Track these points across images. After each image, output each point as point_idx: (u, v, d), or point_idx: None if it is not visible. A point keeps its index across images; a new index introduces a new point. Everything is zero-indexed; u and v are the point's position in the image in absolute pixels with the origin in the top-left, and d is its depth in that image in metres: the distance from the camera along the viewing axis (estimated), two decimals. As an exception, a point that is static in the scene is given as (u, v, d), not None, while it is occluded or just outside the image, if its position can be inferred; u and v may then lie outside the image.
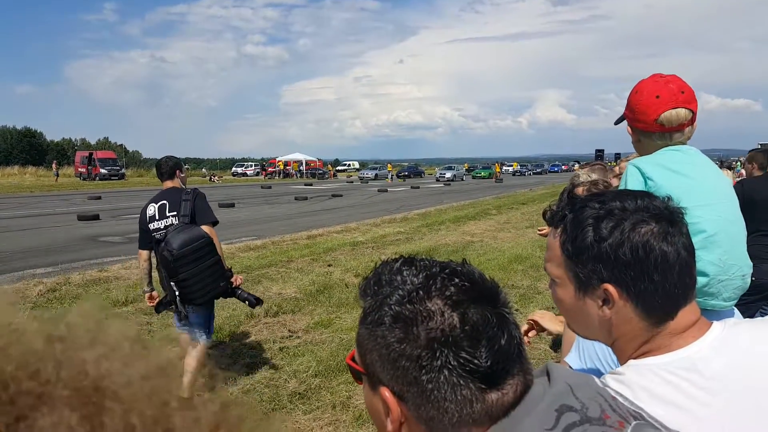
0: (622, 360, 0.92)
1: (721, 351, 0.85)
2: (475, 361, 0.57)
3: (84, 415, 0.39)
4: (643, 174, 1.57)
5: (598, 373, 1.25)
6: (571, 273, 0.90)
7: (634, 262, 0.84)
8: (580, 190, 3.17)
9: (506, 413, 0.58)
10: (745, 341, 0.87)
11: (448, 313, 0.58)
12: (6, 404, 0.39)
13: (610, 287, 0.86)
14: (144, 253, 3.73)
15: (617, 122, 1.86)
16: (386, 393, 0.60)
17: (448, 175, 47.11)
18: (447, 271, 0.61)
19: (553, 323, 2.29)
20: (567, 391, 0.60)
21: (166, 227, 3.54)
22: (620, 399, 0.63)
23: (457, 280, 0.60)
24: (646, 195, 0.90)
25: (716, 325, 0.89)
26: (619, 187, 1.66)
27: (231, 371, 4.21)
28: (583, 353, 1.32)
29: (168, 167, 3.80)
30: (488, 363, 0.57)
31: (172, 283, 3.41)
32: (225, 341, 4.90)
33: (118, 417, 0.39)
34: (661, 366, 0.85)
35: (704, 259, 1.46)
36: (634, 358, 0.89)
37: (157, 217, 3.61)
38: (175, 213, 3.58)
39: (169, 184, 3.77)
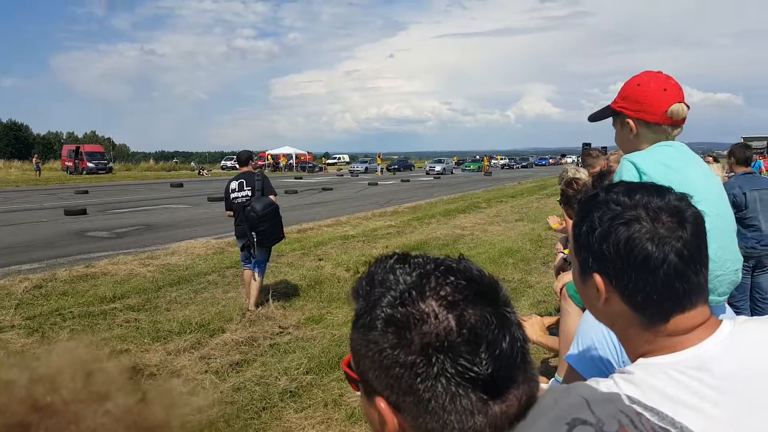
0: (630, 356, 0.91)
1: (731, 350, 0.84)
2: (475, 369, 0.52)
3: None
4: (638, 169, 1.58)
5: (601, 360, 1.24)
6: (575, 255, 0.93)
7: (615, 258, 0.84)
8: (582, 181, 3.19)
9: (511, 425, 0.54)
10: (755, 340, 0.85)
11: (443, 315, 0.54)
12: None
13: (598, 277, 0.87)
14: (229, 213, 5.94)
15: (595, 118, 1.83)
16: (381, 403, 0.56)
17: (438, 168, 46.90)
18: (442, 268, 0.57)
19: (535, 332, 2.25)
20: (582, 404, 0.57)
21: (246, 197, 5.63)
22: (648, 415, 0.60)
23: (452, 279, 0.56)
24: (657, 191, 0.87)
25: (725, 324, 0.88)
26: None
27: (220, 368, 4.17)
28: (582, 348, 1.31)
29: (244, 157, 5.99)
30: (489, 370, 0.53)
31: (252, 233, 5.44)
32: (215, 337, 4.85)
33: None
34: (671, 365, 0.83)
35: None
36: (642, 357, 0.87)
37: (236, 190, 5.75)
38: (250, 188, 5.67)
39: (244, 168, 5.90)
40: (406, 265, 0.58)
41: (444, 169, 47.26)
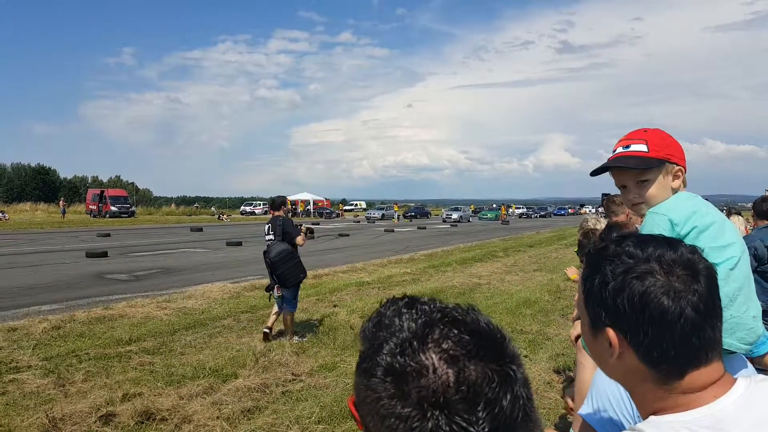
0: (642, 413, 0.88)
1: (746, 410, 0.80)
2: (471, 429, 0.51)
3: None
4: (671, 221, 1.54)
5: (613, 422, 1.21)
6: (585, 310, 0.89)
7: (630, 312, 0.81)
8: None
9: None
10: None
11: (442, 369, 0.52)
12: None
13: (611, 332, 0.84)
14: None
15: (596, 173, 1.68)
16: None
17: (455, 216, 47.37)
18: (447, 319, 0.56)
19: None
20: None
21: (270, 240, 6.19)
22: None
23: (456, 331, 0.55)
24: (669, 243, 0.86)
25: (741, 382, 0.85)
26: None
27: (232, 415, 4.12)
28: (596, 402, 1.27)
29: (277, 203, 6.41)
30: (486, 430, 0.51)
31: (273, 276, 6.07)
32: (227, 383, 4.80)
33: None
34: (684, 424, 0.80)
35: (721, 291, 1.45)
36: (654, 414, 0.85)
37: (266, 233, 6.32)
38: (273, 233, 6.21)
39: (275, 213, 6.35)
40: (413, 311, 0.57)
41: (461, 217, 47.69)
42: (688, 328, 0.80)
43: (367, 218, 48.57)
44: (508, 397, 0.53)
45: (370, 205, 59.27)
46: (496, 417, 0.52)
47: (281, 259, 5.96)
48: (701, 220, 1.54)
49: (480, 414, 0.51)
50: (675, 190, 1.65)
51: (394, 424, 0.53)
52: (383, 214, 49.55)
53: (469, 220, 48.98)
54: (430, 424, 0.51)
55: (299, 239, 6.28)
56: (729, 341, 1.49)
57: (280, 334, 6.44)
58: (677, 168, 1.63)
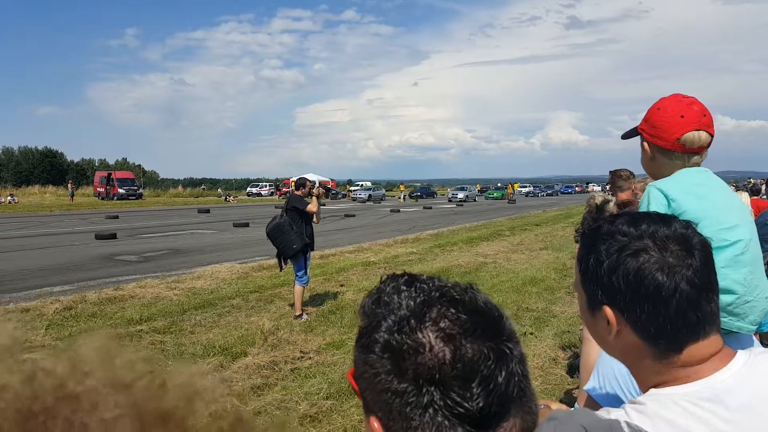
0: (641, 387, 0.90)
1: (746, 382, 0.82)
2: (465, 404, 0.53)
3: None
4: (666, 196, 1.55)
5: (619, 399, 1.22)
6: (582, 290, 0.91)
7: (626, 289, 0.82)
8: (611, 207, 3.13)
9: None
10: None
11: (438, 347, 0.54)
12: None
13: (608, 310, 0.85)
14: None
15: (626, 136, 1.81)
16: (375, 423, 0.58)
17: (461, 195, 46.63)
18: (445, 298, 0.57)
19: None
20: None
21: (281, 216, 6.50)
22: None
23: (453, 311, 0.56)
24: (662, 220, 0.87)
25: (740, 355, 0.86)
26: (640, 210, 1.63)
27: (242, 392, 4.20)
28: (602, 379, 1.28)
29: (297, 184, 6.71)
30: (480, 405, 0.53)
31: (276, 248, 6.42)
32: (237, 361, 4.89)
33: None
34: (683, 396, 0.81)
35: (730, 278, 1.43)
36: (654, 387, 0.86)
37: None
38: (281, 209, 6.61)
39: (295, 192, 6.63)
40: (412, 289, 0.59)
41: (467, 196, 46.98)
42: (684, 303, 0.81)
43: (354, 200, 46.38)
44: (503, 373, 0.54)
45: (376, 185, 58.60)
46: (491, 393, 0.53)
47: (271, 231, 6.34)
48: (690, 202, 1.52)
49: (475, 390, 0.53)
50: (665, 166, 1.65)
51: (390, 398, 0.55)
52: (371, 195, 46.79)
53: (475, 200, 48.35)
54: (425, 399, 0.53)
55: (310, 207, 6.39)
56: (740, 324, 1.48)
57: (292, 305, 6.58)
58: (644, 143, 1.69)
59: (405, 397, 0.54)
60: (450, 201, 45.13)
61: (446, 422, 0.53)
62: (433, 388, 0.53)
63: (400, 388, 0.54)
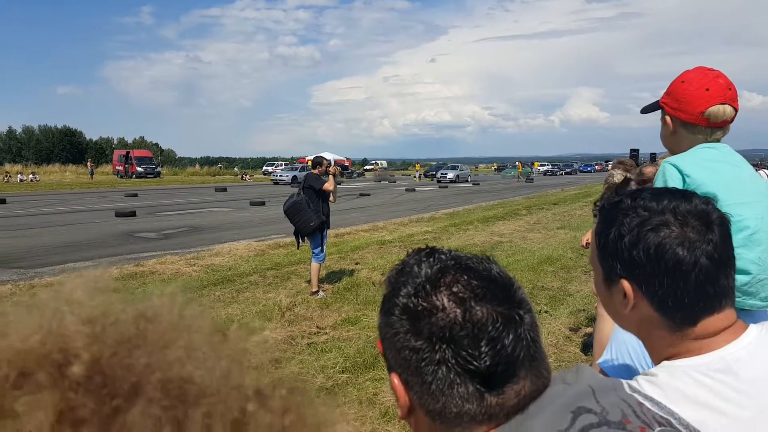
0: (654, 359, 0.91)
1: (757, 354, 0.83)
2: (474, 362, 0.57)
3: (168, 407, 0.41)
4: (681, 172, 1.53)
5: (631, 372, 1.23)
6: (599, 264, 0.91)
7: (646, 263, 0.83)
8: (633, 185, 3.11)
9: (508, 416, 0.58)
10: None
11: (451, 308, 0.58)
12: (105, 394, 0.40)
13: (626, 284, 0.86)
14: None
15: (646, 110, 1.79)
16: (395, 379, 0.63)
17: (450, 175, 40.73)
18: (459, 266, 0.62)
19: None
20: (588, 393, 0.59)
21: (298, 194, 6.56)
22: (648, 405, 0.62)
23: (466, 277, 0.60)
24: (683, 195, 0.87)
25: (753, 328, 0.87)
26: (655, 186, 1.62)
27: (260, 365, 4.30)
28: (615, 353, 1.29)
29: (314, 163, 6.74)
30: (487, 364, 0.57)
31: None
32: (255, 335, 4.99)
33: (200, 411, 0.42)
34: (695, 367, 0.83)
35: (745, 258, 1.43)
36: (667, 359, 0.87)
37: None
38: (299, 186, 6.67)
39: (313, 171, 6.68)
40: (431, 259, 0.64)
41: (457, 176, 41.09)
42: (703, 277, 0.82)
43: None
44: (510, 336, 0.58)
45: (391, 164, 58.21)
46: (498, 353, 0.57)
47: (288, 209, 6.45)
48: (706, 177, 1.50)
49: (483, 349, 0.57)
50: (686, 140, 1.63)
51: (408, 355, 0.60)
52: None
53: (467, 180, 41.91)
54: (438, 356, 0.58)
55: (327, 185, 6.43)
56: (752, 302, 1.48)
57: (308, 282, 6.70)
58: (666, 117, 1.67)
59: (420, 353, 0.59)
60: (439, 182, 39.43)
61: (458, 379, 0.58)
62: (445, 346, 0.58)
63: (417, 346, 0.60)
